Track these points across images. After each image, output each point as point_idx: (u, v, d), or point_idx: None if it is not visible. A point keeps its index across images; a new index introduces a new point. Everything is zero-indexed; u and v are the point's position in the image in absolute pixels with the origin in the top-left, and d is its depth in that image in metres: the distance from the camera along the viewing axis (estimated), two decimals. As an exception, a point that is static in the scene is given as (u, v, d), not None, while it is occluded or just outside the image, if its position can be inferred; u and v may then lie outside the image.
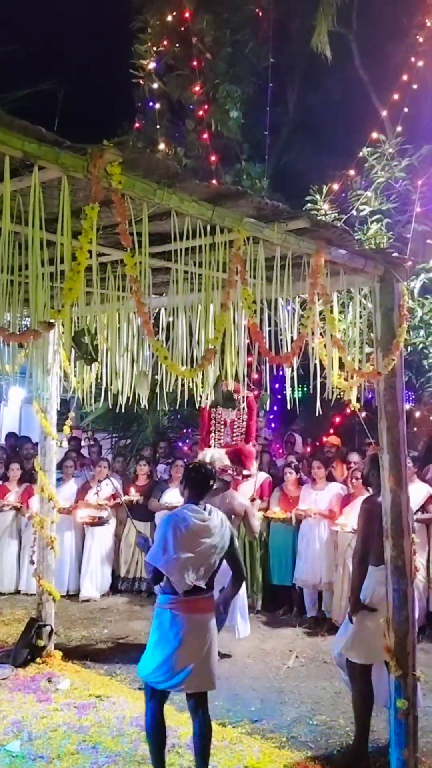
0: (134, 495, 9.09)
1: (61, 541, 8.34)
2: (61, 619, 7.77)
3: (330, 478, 8.39)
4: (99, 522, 8.96)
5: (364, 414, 6.10)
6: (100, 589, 9.02)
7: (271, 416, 12.28)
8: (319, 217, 8.54)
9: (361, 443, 9.63)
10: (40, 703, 5.65)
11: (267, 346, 4.43)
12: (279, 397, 11.11)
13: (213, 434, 7.23)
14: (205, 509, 4.41)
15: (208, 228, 3.83)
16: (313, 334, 4.52)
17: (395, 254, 4.82)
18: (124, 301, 5.09)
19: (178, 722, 5.17)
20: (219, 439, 7.31)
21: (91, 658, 6.82)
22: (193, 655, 4.25)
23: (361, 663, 4.92)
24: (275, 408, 12.09)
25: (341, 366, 4.67)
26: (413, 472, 7.55)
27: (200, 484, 4.46)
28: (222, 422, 7.30)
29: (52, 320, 2.89)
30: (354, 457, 8.58)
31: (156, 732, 4.39)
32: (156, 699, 4.38)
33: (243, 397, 6.50)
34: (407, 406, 9.59)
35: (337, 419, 9.91)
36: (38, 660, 6.50)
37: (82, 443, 11.73)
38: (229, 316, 3.97)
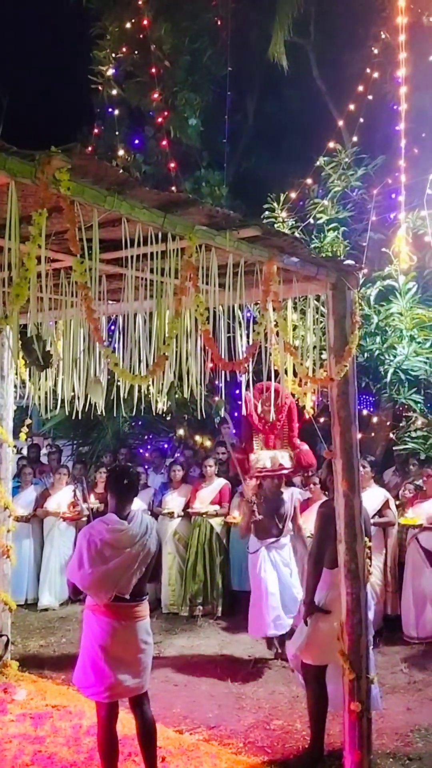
0: (94, 502, 9.04)
1: (20, 550, 8.27)
2: (18, 628, 7.69)
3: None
4: (78, 516, 8.94)
5: (322, 419, 6.16)
6: (59, 597, 8.94)
7: (233, 422, 12.28)
8: (276, 225, 8.68)
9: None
10: (-6, 715, 5.58)
11: (223, 353, 4.47)
12: (239, 403, 11.12)
13: (258, 437, 7.08)
14: (127, 517, 4.38)
15: (160, 235, 3.85)
16: (267, 340, 4.56)
17: (347, 262, 4.89)
18: (78, 307, 5.07)
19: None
20: (268, 442, 7.18)
21: (49, 667, 6.76)
22: (117, 662, 4.25)
23: (315, 665, 4.96)
24: (236, 414, 12.09)
25: (296, 372, 4.73)
26: (371, 476, 7.64)
27: (121, 490, 4.42)
28: (266, 424, 7.17)
29: (-1, 327, 2.87)
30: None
31: (105, 746, 4.38)
32: (103, 710, 4.37)
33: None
34: (365, 412, 9.72)
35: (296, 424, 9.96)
36: (-6, 671, 6.43)
37: (43, 450, 11.63)
38: (181, 323, 3.98)
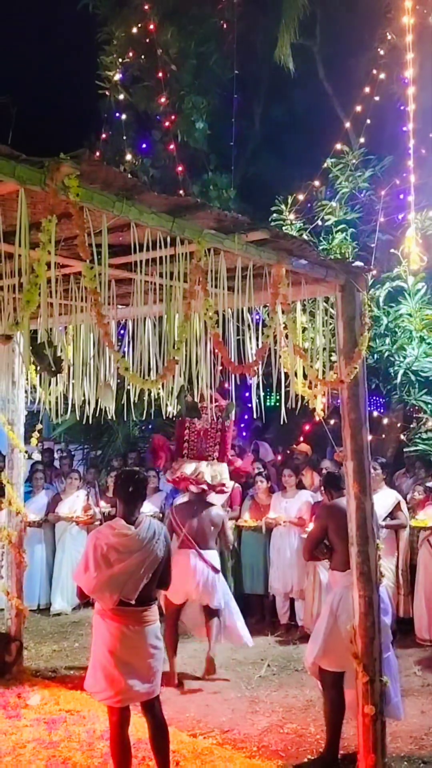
0: (105, 507, 9.06)
1: (32, 555, 8.29)
2: (31, 633, 7.71)
3: (300, 485, 8.42)
4: (92, 520, 8.94)
5: (333, 421, 6.15)
6: (71, 602, 8.94)
7: (242, 425, 12.31)
8: (284, 228, 8.68)
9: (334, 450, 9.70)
10: (8, 720, 5.58)
11: (232, 356, 4.47)
12: (249, 406, 11.15)
13: (186, 444, 7.13)
14: (134, 522, 4.37)
15: (169, 239, 3.85)
16: (276, 343, 4.56)
17: (355, 264, 4.88)
18: (89, 312, 5.08)
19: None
20: (192, 449, 7.21)
21: (62, 672, 6.77)
22: (127, 667, 4.25)
23: (333, 671, 4.93)
24: (245, 417, 12.13)
25: (305, 375, 4.72)
26: (381, 478, 7.61)
27: (128, 494, 4.42)
28: (195, 432, 7.20)
29: (9, 333, 2.89)
30: (326, 464, 8.61)
31: (118, 750, 4.37)
32: (115, 714, 4.36)
33: (212, 407, 6.53)
34: (375, 414, 9.69)
35: (307, 427, 9.95)
36: (7, 676, 6.42)
37: (55, 455, 11.66)
38: (190, 327, 3.99)
